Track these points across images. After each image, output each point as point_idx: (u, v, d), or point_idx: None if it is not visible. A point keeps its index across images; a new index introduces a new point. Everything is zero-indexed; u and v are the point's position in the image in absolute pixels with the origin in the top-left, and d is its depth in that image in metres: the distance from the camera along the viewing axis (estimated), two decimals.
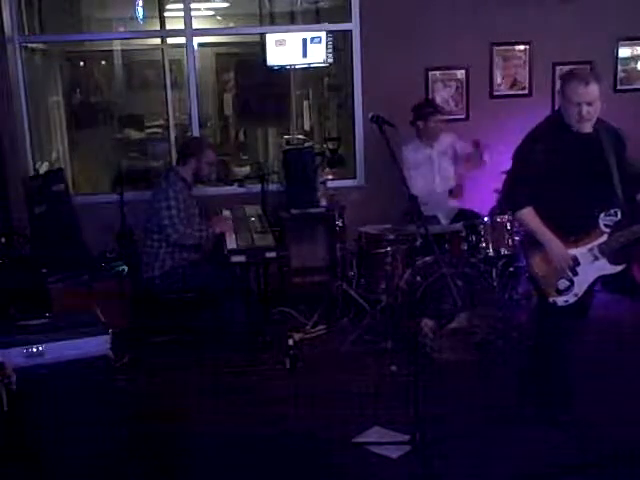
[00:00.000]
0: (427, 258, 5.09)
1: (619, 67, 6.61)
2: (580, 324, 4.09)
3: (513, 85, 6.55)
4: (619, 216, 3.73)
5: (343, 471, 3.68)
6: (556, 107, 3.97)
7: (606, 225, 3.75)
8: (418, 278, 5.02)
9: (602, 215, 3.74)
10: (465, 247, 5.31)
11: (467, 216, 5.60)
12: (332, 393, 4.50)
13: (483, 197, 5.97)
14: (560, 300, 3.81)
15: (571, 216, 3.75)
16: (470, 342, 4.94)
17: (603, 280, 3.89)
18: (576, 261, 3.76)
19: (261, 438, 3.97)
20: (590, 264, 3.77)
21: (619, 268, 3.79)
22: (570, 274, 3.77)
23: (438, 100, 6.36)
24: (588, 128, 3.71)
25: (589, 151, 3.72)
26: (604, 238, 3.75)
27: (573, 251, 3.77)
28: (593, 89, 3.63)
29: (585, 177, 3.73)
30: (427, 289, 4.91)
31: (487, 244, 5.29)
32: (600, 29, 6.42)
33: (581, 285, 3.79)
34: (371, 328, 5.27)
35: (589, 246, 3.77)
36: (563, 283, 3.79)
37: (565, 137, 3.74)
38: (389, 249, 5.28)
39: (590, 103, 3.64)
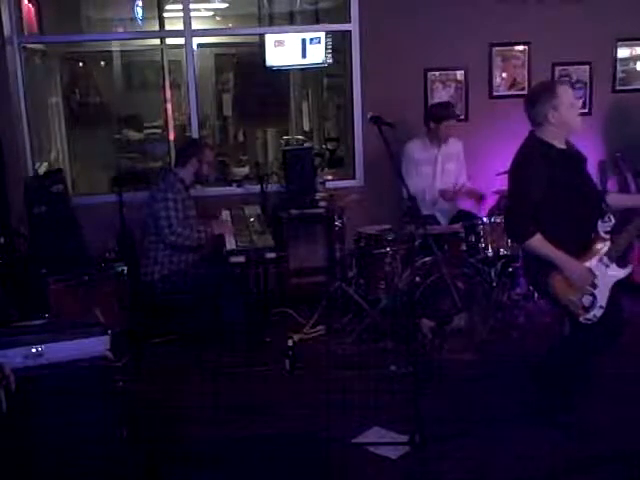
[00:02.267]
0: (426, 258, 5.09)
1: (618, 67, 6.61)
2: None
3: (512, 85, 6.54)
4: (613, 220, 3.78)
5: (343, 471, 3.68)
6: None
7: (605, 232, 3.77)
8: (417, 278, 5.02)
9: (600, 223, 3.77)
10: (464, 247, 5.31)
11: (466, 217, 5.61)
12: (331, 394, 4.49)
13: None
14: (590, 316, 3.76)
15: (575, 231, 3.78)
16: (469, 342, 4.95)
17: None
18: (593, 274, 3.75)
19: (261, 439, 3.98)
20: (604, 273, 3.77)
21: (628, 270, 3.83)
22: (591, 288, 3.75)
23: (437, 101, 6.36)
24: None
25: (572, 165, 3.81)
26: (608, 244, 3.77)
27: (587, 265, 3.76)
28: None
29: (577, 188, 3.78)
30: (426, 289, 4.91)
31: (486, 244, 5.29)
32: (599, 29, 6.42)
33: (603, 296, 3.76)
34: (370, 328, 5.27)
35: (598, 256, 3.77)
36: (587, 299, 3.75)
37: (552, 156, 3.77)
38: (388, 249, 5.28)
39: None
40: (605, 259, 3.77)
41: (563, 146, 3.83)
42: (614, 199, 3.98)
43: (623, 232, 3.78)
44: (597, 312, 3.75)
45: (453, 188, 5.78)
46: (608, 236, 3.77)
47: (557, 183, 3.71)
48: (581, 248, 3.77)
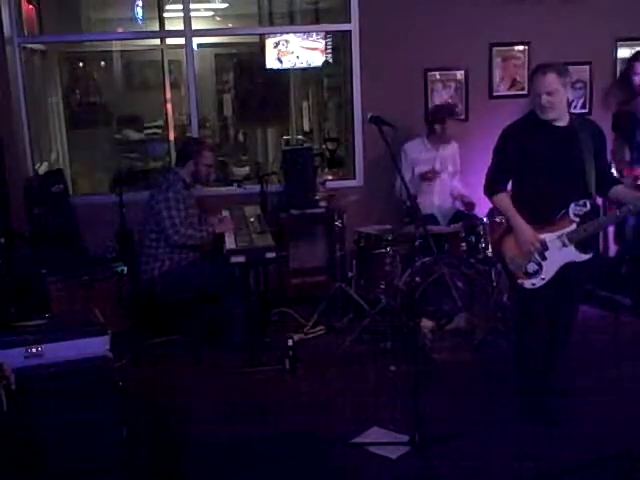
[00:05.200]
0: (426, 258, 5.09)
1: (618, 67, 6.61)
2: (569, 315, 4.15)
3: (512, 85, 6.54)
4: (588, 207, 3.88)
5: (342, 471, 3.68)
6: None
7: (575, 214, 3.89)
8: (417, 278, 5.02)
9: (572, 205, 3.88)
10: (464, 247, 5.31)
11: (465, 217, 5.61)
12: (331, 393, 4.50)
13: (481, 198, 5.94)
14: (528, 283, 3.96)
15: (543, 203, 3.90)
16: (469, 342, 4.95)
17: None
18: (545, 246, 3.91)
19: (260, 439, 3.98)
20: (558, 250, 3.92)
21: (586, 257, 3.94)
22: (539, 258, 3.92)
23: (437, 101, 6.36)
24: (552, 117, 3.86)
25: (563, 143, 3.87)
26: (573, 226, 3.89)
27: (543, 236, 3.91)
28: (550, 78, 3.80)
29: (558, 167, 3.86)
30: (426, 289, 4.91)
31: (486, 244, 5.29)
32: (599, 29, 6.41)
33: (549, 269, 3.93)
34: (370, 328, 5.27)
35: (558, 233, 3.91)
36: (532, 266, 3.95)
37: (540, 129, 3.90)
38: (388, 249, 5.28)
39: (549, 92, 3.80)
40: (565, 238, 3.90)
41: (561, 124, 3.90)
42: (619, 192, 4.00)
43: (592, 221, 3.88)
44: (537, 282, 3.94)
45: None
46: (577, 219, 3.88)
47: (532, 155, 3.88)
48: (545, 221, 3.91)
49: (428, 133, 5.84)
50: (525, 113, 4.06)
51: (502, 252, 4.05)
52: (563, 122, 3.90)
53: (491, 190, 4.07)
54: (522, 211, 3.93)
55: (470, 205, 5.73)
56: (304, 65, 6.83)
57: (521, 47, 6.51)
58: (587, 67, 6.51)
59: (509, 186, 4.11)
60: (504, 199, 4.01)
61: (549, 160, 3.86)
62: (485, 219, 5.37)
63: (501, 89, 6.54)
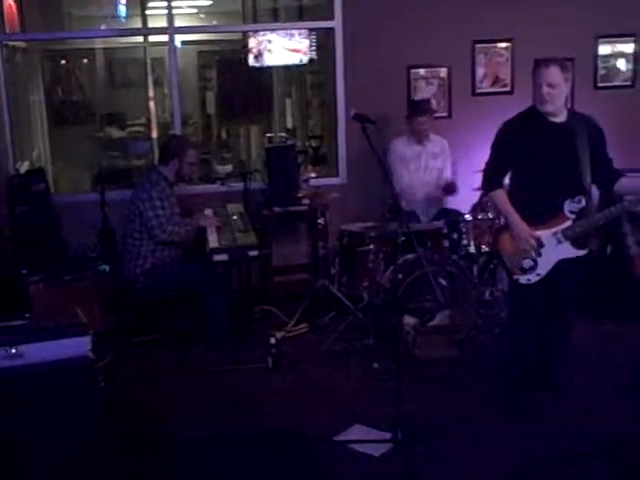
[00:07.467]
0: (409, 256, 5.10)
1: (599, 64, 6.64)
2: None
3: (495, 82, 6.55)
4: (583, 203, 3.89)
5: (325, 469, 3.68)
6: None
7: (571, 211, 3.91)
8: (400, 276, 5.02)
9: (567, 201, 3.90)
10: (447, 244, 5.33)
11: (448, 214, 5.63)
12: (314, 391, 4.51)
13: (463, 195, 5.96)
14: (523, 278, 3.99)
15: (538, 199, 3.93)
16: (452, 339, 4.96)
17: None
18: (540, 243, 3.93)
19: (243, 437, 3.98)
20: (554, 247, 3.95)
21: (581, 252, 3.98)
22: (534, 255, 3.94)
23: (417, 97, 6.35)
24: (550, 110, 3.89)
25: (559, 139, 3.89)
26: (568, 223, 3.92)
27: (538, 233, 3.93)
28: (553, 71, 3.86)
29: (552, 163, 3.88)
30: (409, 286, 4.92)
31: (468, 241, 5.31)
32: (581, 26, 6.44)
33: (544, 266, 3.96)
34: (353, 326, 5.28)
35: (553, 230, 3.94)
36: (527, 263, 3.97)
37: (536, 125, 3.92)
38: (371, 247, 5.29)
39: (550, 84, 3.84)
40: (560, 235, 3.93)
41: (558, 119, 3.92)
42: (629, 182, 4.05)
43: (587, 218, 3.90)
44: (532, 277, 3.97)
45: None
46: (573, 216, 3.91)
47: (527, 150, 3.90)
48: (540, 217, 3.93)
49: (409, 128, 5.87)
50: (523, 110, 4.06)
51: (499, 249, 4.08)
52: (560, 118, 3.93)
53: (488, 186, 4.12)
54: (518, 206, 3.95)
55: (451, 185, 5.74)
56: (287, 63, 6.81)
57: (504, 44, 6.52)
58: (569, 64, 6.51)
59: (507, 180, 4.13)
60: (501, 196, 4.03)
61: (544, 156, 3.88)
62: (468, 216, 5.38)
63: (484, 86, 6.56)
